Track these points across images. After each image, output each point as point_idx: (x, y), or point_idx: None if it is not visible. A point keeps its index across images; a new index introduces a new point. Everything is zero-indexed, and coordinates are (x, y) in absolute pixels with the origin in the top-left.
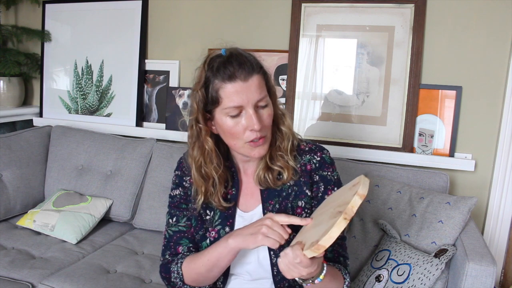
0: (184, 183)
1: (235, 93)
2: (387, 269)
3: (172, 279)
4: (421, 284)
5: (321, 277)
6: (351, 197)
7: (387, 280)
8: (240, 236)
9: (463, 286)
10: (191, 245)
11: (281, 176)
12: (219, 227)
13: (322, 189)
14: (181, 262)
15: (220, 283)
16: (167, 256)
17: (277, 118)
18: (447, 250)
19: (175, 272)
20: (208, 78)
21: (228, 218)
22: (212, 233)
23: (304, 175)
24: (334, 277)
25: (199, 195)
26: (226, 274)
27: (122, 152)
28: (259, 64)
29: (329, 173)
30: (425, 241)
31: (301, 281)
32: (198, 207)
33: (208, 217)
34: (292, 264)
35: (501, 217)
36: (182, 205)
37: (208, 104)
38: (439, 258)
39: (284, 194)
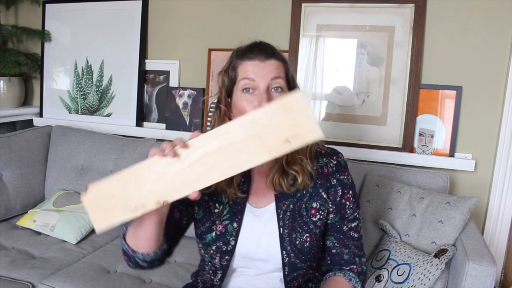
0: None
1: (250, 67)
2: (387, 269)
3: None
4: (421, 284)
5: None
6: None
7: (387, 280)
8: None
9: (463, 286)
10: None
11: (295, 182)
12: (227, 221)
13: (340, 193)
14: (125, 231)
15: (217, 280)
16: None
17: None
18: (447, 250)
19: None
20: (232, 61)
21: (237, 214)
22: (219, 227)
23: (320, 177)
24: None
25: None
26: (225, 269)
27: (122, 152)
28: (282, 55)
29: (345, 177)
30: (425, 241)
31: None
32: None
33: (216, 210)
34: None
35: (501, 217)
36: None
37: (229, 86)
38: (439, 258)
39: (298, 194)
